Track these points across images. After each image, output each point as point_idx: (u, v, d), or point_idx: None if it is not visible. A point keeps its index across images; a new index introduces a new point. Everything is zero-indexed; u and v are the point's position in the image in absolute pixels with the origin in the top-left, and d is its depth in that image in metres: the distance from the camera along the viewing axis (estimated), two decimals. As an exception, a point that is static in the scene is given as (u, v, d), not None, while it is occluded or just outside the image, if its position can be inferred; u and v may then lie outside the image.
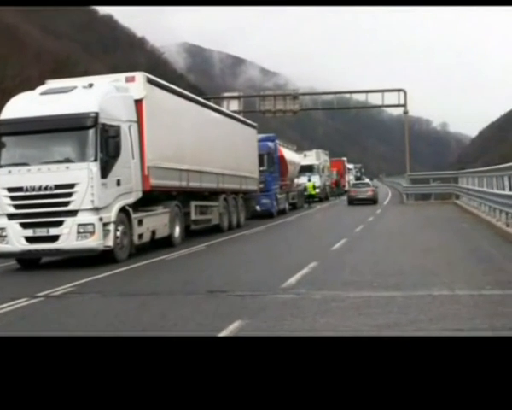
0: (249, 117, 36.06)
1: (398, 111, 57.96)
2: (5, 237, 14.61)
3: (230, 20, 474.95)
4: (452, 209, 32.05)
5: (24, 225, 14.50)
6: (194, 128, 20.71)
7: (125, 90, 16.29)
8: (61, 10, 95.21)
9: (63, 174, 14.42)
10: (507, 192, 18.28)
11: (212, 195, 22.80)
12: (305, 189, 44.92)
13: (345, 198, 56.45)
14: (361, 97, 55.67)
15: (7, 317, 8.95)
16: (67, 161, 14.64)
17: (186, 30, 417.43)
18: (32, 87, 16.76)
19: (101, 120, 14.70)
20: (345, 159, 76.76)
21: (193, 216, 20.60)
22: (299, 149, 52.90)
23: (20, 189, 14.51)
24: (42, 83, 17.01)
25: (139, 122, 16.48)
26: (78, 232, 14.34)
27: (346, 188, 73.11)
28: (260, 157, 30.22)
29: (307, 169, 47.30)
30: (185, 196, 20.07)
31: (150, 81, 17.25)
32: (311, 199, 44.67)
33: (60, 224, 14.36)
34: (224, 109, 29.41)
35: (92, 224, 14.36)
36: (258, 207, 30.44)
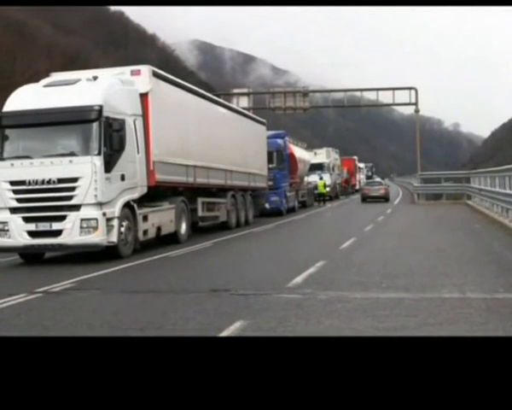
0: (259, 114, 35.74)
1: (410, 110, 57.60)
2: (7, 231, 14.36)
3: (241, 18, 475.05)
4: (464, 209, 31.60)
5: (26, 220, 14.24)
6: (202, 123, 20.40)
7: (131, 83, 15.99)
8: (71, 6, 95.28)
9: (66, 168, 14.14)
10: (520, 192, 17.90)
11: (220, 191, 22.50)
12: (316, 187, 44.54)
13: (355, 197, 56.78)
14: (372, 96, 55.16)
15: (2, 314, 8.67)
16: (71, 154, 14.36)
17: (197, 27, 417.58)
18: (40, 82, 16.48)
19: (106, 113, 14.42)
20: (355, 158, 76.33)
21: (200, 213, 20.30)
22: (311, 147, 52.58)
23: (22, 182, 14.25)
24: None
25: (144, 116, 16.20)
26: (82, 227, 14.06)
27: (357, 187, 72.99)
28: (269, 154, 29.89)
29: (317, 167, 46.94)
30: (192, 192, 19.78)
31: (156, 75, 16.95)
32: (321, 197, 44.34)
33: (63, 218, 14.09)
34: (232, 105, 29.09)
35: (95, 219, 14.08)
36: (267, 205, 30.11)
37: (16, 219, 14.25)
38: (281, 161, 32.12)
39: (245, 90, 52.28)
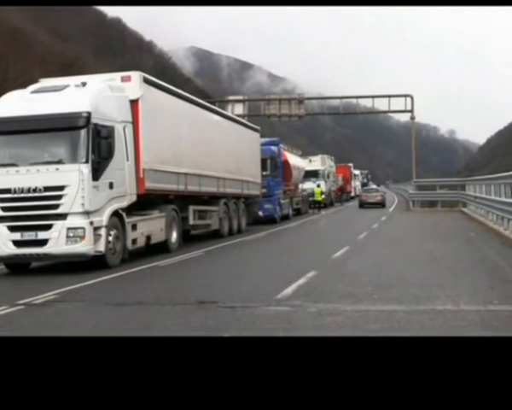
0: (254, 121, 35.50)
1: (406, 117, 57.36)
2: (-8, 240, 14.03)
3: (238, 25, 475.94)
4: (459, 217, 31.37)
5: (12, 229, 13.92)
6: (194, 130, 20.13)
7: (121, 89, 15.72)
8: (69, 13, 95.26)
9: (53, 176, 13.85)
10: (516, 200, 17.65)
11: (212, 199, 22.20)
12: (312, 194, 44.46)
13: (350, 204, 56.81)
14: (368, 103, 54.99)
15: (-21, 327, 8.37)
16: (58, 162, 14.06)
17: (194, 34, 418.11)
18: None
19: (94, 120, 14.13)
20: (351, 165, 76.07)
21: (191, 221, 20.01)
22: (307, 154, 52.35)
23: (7, 190, 13.94)
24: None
25: (134, 123, 15.93)
26: (68, 236, 13.76)
27: (353, 194, 72.78)
28: (263, 161, 29.61)
29: (312, 174, 46.68)
30: (183, 200, 19.49)
31: (147, 81, 16.68)
32: (317, 205, 44.26)
33: (49, 227, 13.78)
34: (225, 112, 28.78)
35: (82, 228, 13.78)
36: (260, 213, 29.80)
37: (1, 228, 13.92)
38: (275, 168, 31.86)
39: (240, 97, 52.06)
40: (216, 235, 22.44)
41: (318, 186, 46.04)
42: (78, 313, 9.20)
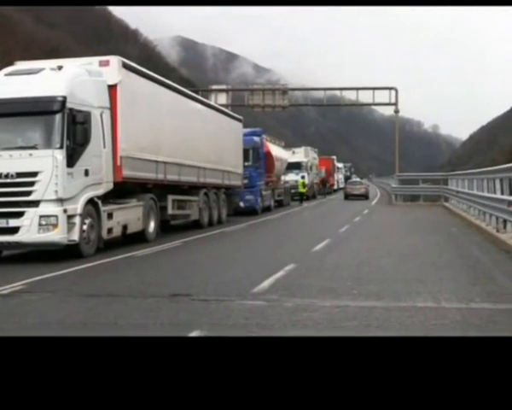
0: (237, 111, 35.07)
1: (390, 111, 57.31)
2: (-38, 228, 13.57)
3: (224, 16, 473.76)
4: (441, 212, 31.24)
5: (-18, 216, 13.47)
6: (174, 118, 19.73)
7: (98, 74, 15.29)
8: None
9: (26, 162, 13.41)
10: (498, 196, 17.45)
11: (192, 189, 21.83)
12: (295, 186, 44.46)
13: (332, 197, 56.68)
14: (352, 95, 54.67)
15: None
16: (31, 147, 13.61)
17: (180, 23, 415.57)
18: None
19: (69, 104, 13.71)
20: (334, 157, 75.94)
21: (170, 211, 19.63)
22: (291, 146, 52.11)
23: (-22, 176, 13.48)
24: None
25: (112, 109, 15.52)
26: (40, 224, 13.34)
27: (335, 187, 72.64)
28: (245, 152, 29.24)
29: (295, 166, 46.43)
30: (162, 189, 19.11)
31: (126, 66, 16.25)
32: (300, 197, 44.18)
33: (20, 215, 13.34)
34: (207, 101, 28.30)
35: (55, 216, 13.36)
36: (241, 204, 29.50)
37: (-29, 215, 13.47)
38: (257, 159, 31.49)
39: (223, 87, 51.60)
40: (196, 225, 22.09)
41: (303, 178, 45.90)
42: (45, 305, 8.82)
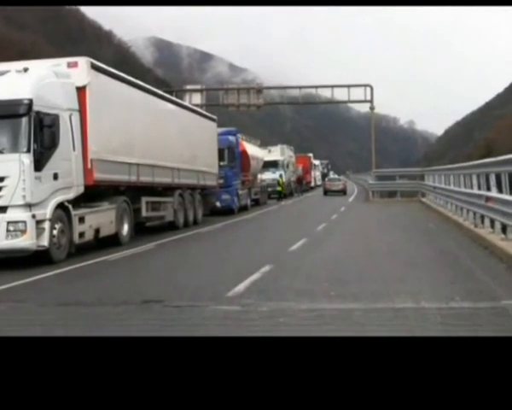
0: (212, 111, 34.75)
1: (366, 108, 57.25)
2: None
3: (199, 16, 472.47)
4: (418, 207, 31.17)
5: None
6: (146, 119, 19.35)
7: (66, 76, 14.88)
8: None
9: None
10: (475, 191, 17.31)
11: (167, 190, 21.47)
12: (274, 184, 44.61)
13: (310, 194, 56.61)
14: (328, 93, 54.45)
15: None
16: (-3, 152, 13.19)
17: (154, 24, 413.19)
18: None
19: (36, 107, 13.29)
20: (311, 155, 75.85)
21: (144, 213, 19.25)
22: (268, 144, 51.88)
23: None
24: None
25: (81, 111, 15.11)
26: (8, 231, 12.92)
27: (313, 184, 72.55)
28: (220, 152, 28.91)
29: (271, 165, 46.21)
30: (135, 191, 18.73)
31: (95, 67, 15.85)
32: (278, 195, 44.10)
33: (-13, 221, 12.91)
34: (179, 101, 27.90)
35: (24, 221, 12.95)
36: (218, 204, 29.17)
37: None
38: (232, 158, 31.17)
39: (198, 87, 51.17)
40: (171, 227, 21.74)
41: (281, 176, 45.85)
42: (8, 316, 8.44)
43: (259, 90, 49.47)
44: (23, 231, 12.94)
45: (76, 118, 14.92)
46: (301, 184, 55.69)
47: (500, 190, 14.30)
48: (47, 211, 13.48)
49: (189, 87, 50.89)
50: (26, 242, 12.98)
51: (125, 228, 17.56)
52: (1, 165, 13.00)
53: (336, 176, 72.65)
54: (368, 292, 9.14)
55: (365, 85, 50.59)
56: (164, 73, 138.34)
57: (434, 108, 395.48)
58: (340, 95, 54.26)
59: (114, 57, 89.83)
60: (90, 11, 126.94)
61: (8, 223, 12.90)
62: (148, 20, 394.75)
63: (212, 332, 7.05)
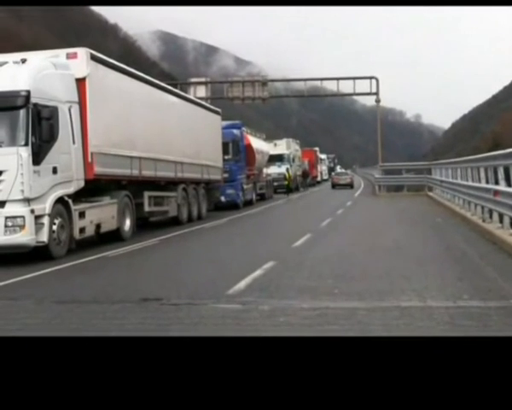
0: (217, 104, 34.38)
1: (372, 102, 56.76)
2: None
3: (205, 8, 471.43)
4: (425, 202, 30.81)
5: None
6: (149, 112, 19.06)
7: (65, 67, 14.59)
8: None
9: None
10: (483, 185, 16.97)
11: (170, 184, 21.17)
12: (285, 177, 44.58)
13: (316, 189, 56.32)
14: (333, 86, 54.00)
15: None
16: (-6, 145, 12.92)
17: (160, 17, 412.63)
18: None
19: (34, 99, 13.02)
20: (317, 149, 75.51)
21: (146, 208, 18.97)
22: (274, 138, 51.53)
23: None
24: None
25: (81, 103, 14.84)
26: (6, 226, 12.67)
27: (319, 178, 72.24)
28: (225, 145, 28.61)
29: (277, 159, 45.85)
30: (138, 185, 18.45)
31: (95, 58, 15.56)
32: (287, 189, 43.94)
33: (-15, 216, 12.66)
34: (183, 93, 27.51)
35: (22, 216, 12.69)
36: (222, 198, 28.87)
37: None
38: (237, 152, 30.85)
39: (202, 80, 50.81)
40: (175, 222, 21.46)
41: (287, 170, 45.63)
42: (4, 314, 8.18)
43: (264, 83, 49.06)
44: (21, 227, 12.69)
45: (75, 110, 14.65)
46: (306, 179, 55.36)
47: (509, 184, 13.97)
48: (46, 206, 13.22)
49: (193, 80, 50.51)
50: (24, 237, 12.72)
51: (127, 223, 17.31)
52: (-2, 159, 12.74)
53: (344, 170, 75.71)
54: (372, 290, 8.84)
55: (371, 78, 50.15)
56: (169, 67, 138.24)
57: (441, 101, 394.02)
58: (346, 87, 53.93)
59: (120, 51, 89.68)
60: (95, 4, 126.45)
61: (7, 218, 12.64)
62: (154, 14, 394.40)
63: (211, 332, 6.78)
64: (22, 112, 12.89)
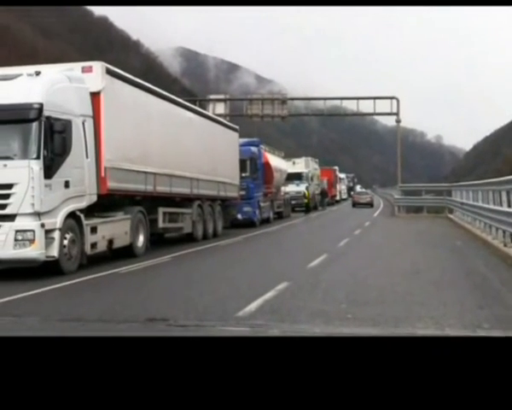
0: (236, 121, 34.22)
1: (392, 122, 56.32)
2: None
3: (226, 26, 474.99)
4: (445, 224, 30.31)
5: (-46, 231, 12.59)
6: (164, 127, 18.88)
7: (80, 80, 14.45)
8: (55, 11, 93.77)
9: (0, 173, 12.56)
10: (505, 209, 16.53)
11: (185, 201, 20.95)
12: (304, 196, 44.87)
13: (334, 208, 56.04)
14: (353, 106, 53.71)
15: None
16: (6, 157, 12.75)
17: (181, 34, 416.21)
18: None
19: (47, 112, 12.86)
20: (336, 168, 75.13)
21: (161, 224, 18.74)
22: (294, 156, 51.18)
23: (-50, 188, 12.62)
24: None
25: (96, 117, 14.69)
26: (16, 240, 12.48)
27: (338, 198, 71.80)
28: (242, 162, 28.38)
29: (295, 177, 45.50)
30: (152, 201, 18.23)
31: (110, 72, 15.41)
32: (307, 208, 43.70)
33: (-5, 229, 12.46)
34: (200, 109, 27.32)
35: (32, 230, 12.50)
36: (239, 216, 28.62)
37: None
38: (254, 169, 30.59)
39: (221, 96, 50.70)
40: (190, 239, 21.21)
41: (307, 189, 45.49)
42: (6, 331, 7.92)
43: (284, 101, 48.82)
44: (31, 241, 12.49)
45: (90, 124, 14.49)
46: (324, 198, 54.90)
47: (532, 208, 13.54)
48: (57, 220, 13.02)
49: (212, 97, 50.39)
50: (34, 252, 12.52)
51: (141, 239, 17.08)
52: (10, 171, 12.59)
53: (364, 190, 79.77)
54: (388, 316, 8.49)
55: (391, 98, 49.77)
56: (190, 84, 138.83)
57: (462, 123, 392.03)
58: (366, 107, 53.58)
59: (141, 67, 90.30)
60: (118, 20, 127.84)
61: (17, 232, 12.46)
62: (176, 31, 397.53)
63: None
64: (35, 125, 12.74)
